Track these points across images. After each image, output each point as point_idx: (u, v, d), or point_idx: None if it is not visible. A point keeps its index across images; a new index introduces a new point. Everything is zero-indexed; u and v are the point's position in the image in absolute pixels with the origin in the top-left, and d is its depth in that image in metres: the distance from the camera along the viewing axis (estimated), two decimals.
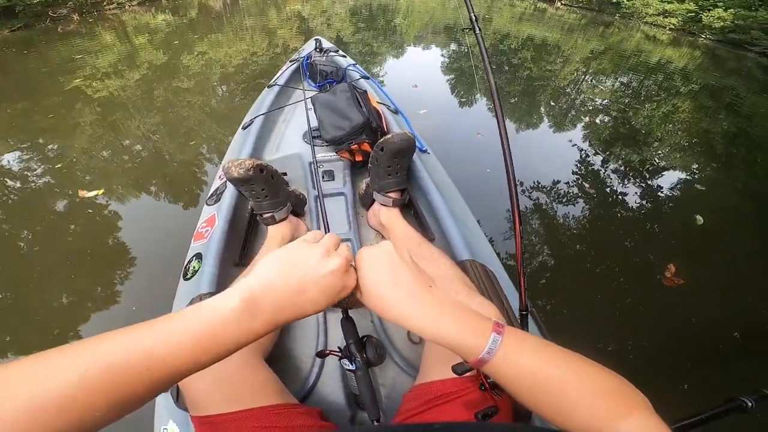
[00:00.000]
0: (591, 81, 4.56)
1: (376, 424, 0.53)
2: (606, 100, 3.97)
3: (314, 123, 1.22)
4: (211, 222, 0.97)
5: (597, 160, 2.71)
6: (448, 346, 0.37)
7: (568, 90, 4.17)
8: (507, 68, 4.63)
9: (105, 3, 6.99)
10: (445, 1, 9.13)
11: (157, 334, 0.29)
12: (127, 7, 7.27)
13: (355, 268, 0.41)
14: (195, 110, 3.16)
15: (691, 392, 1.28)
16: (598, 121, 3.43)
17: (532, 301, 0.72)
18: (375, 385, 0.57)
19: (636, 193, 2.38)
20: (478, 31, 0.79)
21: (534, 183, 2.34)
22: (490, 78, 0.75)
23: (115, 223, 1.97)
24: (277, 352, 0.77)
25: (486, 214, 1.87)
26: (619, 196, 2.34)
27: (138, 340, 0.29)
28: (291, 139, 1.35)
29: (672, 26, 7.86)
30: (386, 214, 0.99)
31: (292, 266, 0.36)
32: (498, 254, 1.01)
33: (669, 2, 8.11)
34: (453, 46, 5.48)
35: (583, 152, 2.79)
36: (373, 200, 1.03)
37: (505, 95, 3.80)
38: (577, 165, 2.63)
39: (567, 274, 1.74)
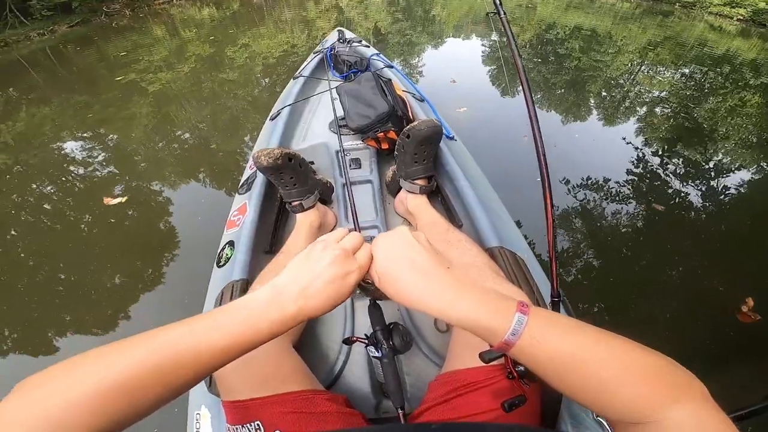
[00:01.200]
0: (647, 72, 4.24)
1: (400, 412, 0.54)
2: (664, 92, 3.68)
3: (340, 112, 1.23)
4: (243, 210, 1.00)
5: (653, 158, 2.50)
6: (470, 328, 0.35)
7: (621, 81, 3.91)
8: (553, 58, 4.40)
9: None
10: None
11: (203, 331, 0.33)
12: (174, 1, 7.59)
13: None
14: (239, 100, 3.25)
15: None
16: (655, 113, 3.18)
17: (565, 292, 0.68)
18: (400, 373, 0.56)
19: (703, 200, 2.15)
20: (503, 15, 0.75)
21: (583, 179, 2.20)
22: (518, 62, 0.73)
23: (161, 211, 2.07)
24: (306, 339, 0.78)
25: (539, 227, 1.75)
26: (682, 203, 2.12)
27: (187, 336, 0.33)
28: (317, 129, 1.36)
29: (741, 17, 7.15)
30: (413, 201, 0.99)
31: (305, 268, 0.38)
32: (531, 243, 0.95)
33: None
34: (494, 36, 5.28)
35: (637, 148, 2.59)
36: (400, 187, 1.03)
37: (550, 86, 3.62)
38: (630, 161, 2.44)
39: (615, 291, 1.58)
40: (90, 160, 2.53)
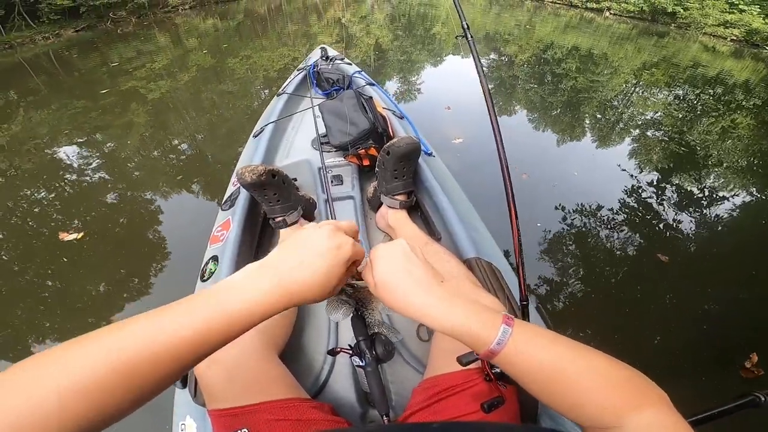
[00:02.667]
0: (642, 93, 4.32)
1: (385, 419, 0.55)
2: (658, 113, 3.73)
3: (322, 129, 1.27)
4: (226, 226, 1.01)
5: (646, 185, 2.49)
6: (459, 337, 0.37)
7: (616, 102, 3.97)
8: (550, 78, 4.47)
9: (160, 6, 7.45)
10: (485, 11, 9.01)
11: (181, 314, 0.31)
12: (180, 10, 7.71)
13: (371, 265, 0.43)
14: (237, 112, 3.28)
15: None
16: (648, 136, 3.22)
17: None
18: (384, 382, 0.60)
19: (697, 234, 2.11)
20: (470, 38, 0.82)
21: (577, 205, 2.19)
22: (483, 84, 0.81)
23: (149, 218, 2.07)
24: (290, 350, 0.78)
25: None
26: (674, 234, 2.09)
27: (163, 323, 0.30)
28: (300, 146, 1.39)
29: (734, 37, 7.32)
30: (394, 216, 1.02)
31: (295, 244, 0.38)
32: (507, 254, 1.00)
33: (730, 12, 7.57)
34: (493, 56, 5.37)
35: (632, 175, 2.60)
36: (381, 203, 1.05)
37: (546, 106, 3.67)
38: (624, 186, 2.45)
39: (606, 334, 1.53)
40: (84, 165, 2.52)
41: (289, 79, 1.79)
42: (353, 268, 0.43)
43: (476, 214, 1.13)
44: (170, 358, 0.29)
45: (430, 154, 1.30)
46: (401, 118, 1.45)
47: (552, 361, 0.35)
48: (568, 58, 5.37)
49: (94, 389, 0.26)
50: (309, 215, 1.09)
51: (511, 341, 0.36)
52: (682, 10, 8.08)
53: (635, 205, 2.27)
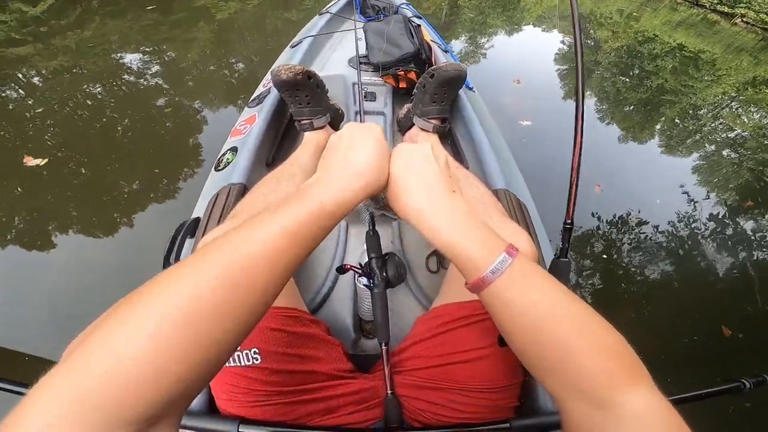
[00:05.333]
0: (737, 109, 3.73)
1: (383, 347, 0.52)
2: (746, 133, 3.22)
3: (363, 51, 1.25)
4: (251, 120, 1.00)
5: (712, 209, 2.16)
6: (453, 255, 0.34)
7: (702, 112, 3.46)
8: (636, 72, 3.98)
9: None
10: None
11: (271, 215, 0.29)
12: None
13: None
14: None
15: None
16: (723, 155, 2.81)
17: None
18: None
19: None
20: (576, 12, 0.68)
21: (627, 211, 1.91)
22: (578, 63, 0.64)
23: (194, 123, 2.18)
24: None
25: None
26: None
27: (254, 229, 0.28)
28: (336, 62, 1.37)
29: None
30: (425, 138, 0.97)
31: (342, 140, 0.39)
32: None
33: None
34: (573, 35, 4.83)
35: (696, 191, 2.30)
36: (412, 124, 1.02)
37: (621, 100, 3.29)
38: (684, 205, 2.15)
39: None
40: (144, 72, 2.67)
41: (333, 1, 1.77)
42: None
43: (509, 150, 1.10)
44: (266, 262, 0.27)
45: (471, 89, 1.26)
46: (445, 51, 1.40)
47: (547, 308, 0.31)
48: (667, 56, 4.71)
49: (202, 308, 0.23)
50: (335, 125, 1.07)
51: (507, 273, 0.32)
52: None
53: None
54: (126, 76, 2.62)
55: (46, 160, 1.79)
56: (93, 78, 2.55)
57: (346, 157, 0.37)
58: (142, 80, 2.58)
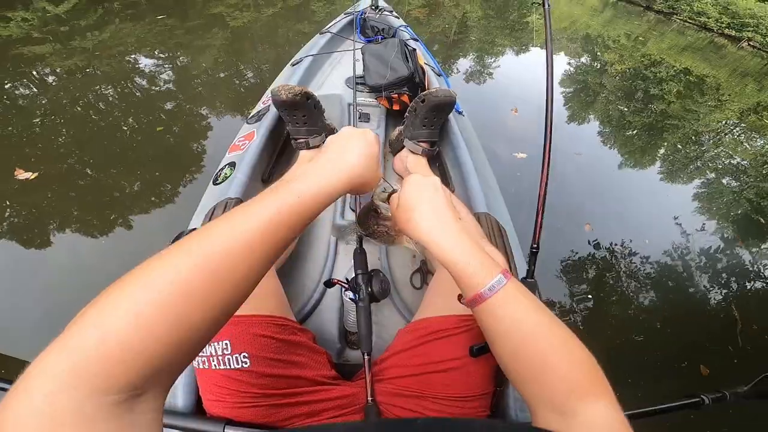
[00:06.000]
0: (738, 136, 3.74)
1: (366, 357, 0.56)
2: (745, 161, 3.23)
3: (359, 72, 1.29)
4: (250, 137, 1.04)
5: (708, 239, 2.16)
6: (456, 271, 0.40)
7: (703, 139, 3.48)
8: (640, 95, 4.02)
9: None
10: (594, 12, 8.16)
11: (252, 207, 0.31)
12: None
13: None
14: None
15: None
16: (724, 183, 2.82)
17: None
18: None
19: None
20: (547, 6, 0.76)
21: (626, 240, 1.93)
22: (550, 56, 0.71)
23: (195, 131, 2.22)
24: (283, 273, 0.79)
25: None
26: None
27: (235, 219, 0.30)
28: (334, 82, 1.42)
29: None
30: (413, 161, 1.03)
31: (334, 140, 0.44)
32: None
33: None
34: (584, 59, 4.91)
35: (693, 218, 2.32)
36: (403, 146, 1.07)
37: (624, 124, 3.32)
38: (680, 232, 2.16)
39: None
40: (156, 77, 2.73)
41: (334, 20, 1.82)
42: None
43: (493, 175, 1.15)
44: (244, 252, 0.28)
45: (460, 113, 1.30)
46: (439, 75, 1.44)
47: (531, 325, 0.36)
48: (672, 80, 4.76)
49: (178, 294, 0.24)
50: None
51: (502, 292, 0.37)
52: None
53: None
54: (138, 79, 2.69)
55: (39, 172, 1.75)
56: (105, 79, 2.61)
57: (335, 154, 0.40)
58: (152, 84, 2.64)
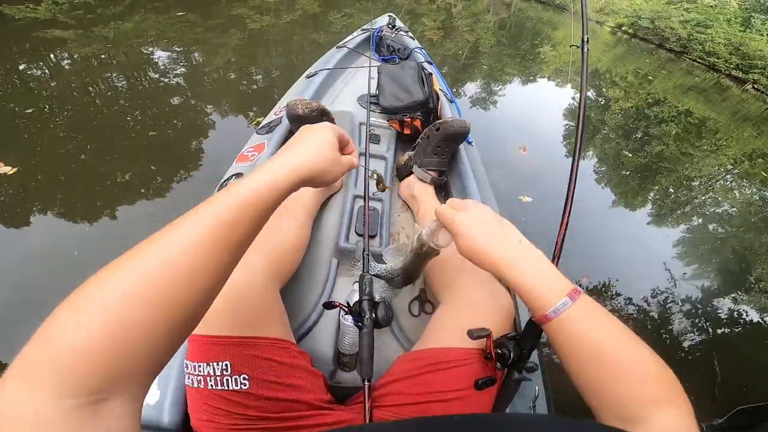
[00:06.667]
0: (730, 183, 3.83)
1: (366, 383, 0.53)
2: (734, 209, 3.30)
3: (373, 90, 1.29)
4: (260, 149, 1.03)
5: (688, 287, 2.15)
6: (522, 293, 0.43)
7: (695, 183, 3.56)
8: (639, 135, 4.10)
9: None
10: (607, 48, 8.33)
11: (217, 198, 0.32)
12: None
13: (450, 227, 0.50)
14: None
15: None
16: (708, 229, 2.88)
17: None
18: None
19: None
20: (586, 51, 0.74)
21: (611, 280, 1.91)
22: (582, 107, 0.69)
23: (196, 129, 2.25)
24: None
25: None
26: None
27: (198, 211, 0.31)
28: (346, 99, 1.42)
29: None
30: (420, 188, 1.03)
31: (297, 135, 0.44)
32: None
33: None
34: (590, 93, 5.00)
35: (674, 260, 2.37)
36: (410, 172, 1.06)
37: (619, 165, 3.39)
38: (663, 273, 2.20)
39: None
40: (168, 70, 2.78)
41: (351, 36, 1.85)
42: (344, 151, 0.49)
43: (497, 206, 1.14)
44: (209, 242, 0.29)
45: (470, 143, 1.31)
46: (451, 102, 1.46)
47: (601, 341, 0.38)
48: (673, 122, 4.87)
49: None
50: None
51: (566, 313, 0.39)
52: None
53: None
54: (150, 73, 2.74)
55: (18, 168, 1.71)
56: (118, 68, 2.67)
57: (289, 148, 0.41)
58: (162, 77, 2.69)
